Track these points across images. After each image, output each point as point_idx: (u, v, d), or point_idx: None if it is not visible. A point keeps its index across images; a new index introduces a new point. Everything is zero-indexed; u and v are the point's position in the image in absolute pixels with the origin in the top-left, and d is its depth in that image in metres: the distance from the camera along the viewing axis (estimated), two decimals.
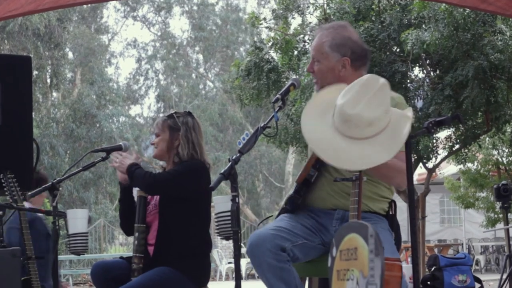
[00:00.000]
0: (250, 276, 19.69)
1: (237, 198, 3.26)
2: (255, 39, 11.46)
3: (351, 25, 3.97)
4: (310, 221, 3.69)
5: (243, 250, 16.38)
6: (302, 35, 10.00)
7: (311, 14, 10.07)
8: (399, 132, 3.20)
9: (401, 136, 3.19)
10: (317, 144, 3.23)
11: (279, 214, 3.78)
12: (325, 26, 3.88)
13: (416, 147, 9.09)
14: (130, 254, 4.36)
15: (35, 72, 23.94)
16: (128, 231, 4.50)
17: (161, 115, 4.68)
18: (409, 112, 3.28)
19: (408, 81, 9.16)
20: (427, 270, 7.52)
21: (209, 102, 32.64)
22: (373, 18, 9.16)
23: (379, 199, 3.67)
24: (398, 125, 3.22)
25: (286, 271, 3.49)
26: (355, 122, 3.13)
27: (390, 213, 3.73)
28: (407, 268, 7.91)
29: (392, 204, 3.72)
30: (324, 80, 3.71)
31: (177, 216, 4.26)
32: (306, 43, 9.87)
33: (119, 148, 4.47)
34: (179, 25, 60.58)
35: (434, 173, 11.04)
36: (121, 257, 4.42)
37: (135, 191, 4.43)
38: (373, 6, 9.20)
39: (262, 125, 3.45)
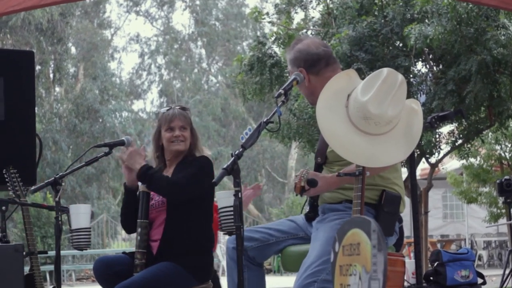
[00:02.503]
0: None
1: (239, 193, 3.26)
2: (258, 33, 11.44)
3: (308, 36, 4.10)
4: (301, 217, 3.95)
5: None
6: (305, 30, 9.97)
7: (314, 9, 10.05)
8: (411, 128, 3.21)
9: (414, 134, 3.21)
10: (331, 137, 3.22)
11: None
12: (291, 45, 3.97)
13: (419, 142, 9.06)
14: (133, 249, 4.35)
15: (38, 67, 23.94)
16: (129, 229, 4.49)
17: (176, 107, 4.43)
18: (414, 104, 3.27)
19: (411, 75, 9.14)
20: (429, 265, 7.51)
21: (211, 97, 32.62)
22: (376, 13, 9.14)
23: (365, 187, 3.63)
24: (409, 119, 3.22)
25: (234, 270, 3.72)
26: (376, 121, 3.12)
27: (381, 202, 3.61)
28: (410, 263, 7.90)
29: (384, 193, 3.58)
30: (304, 94, 3.91)
31: (183, 213, 4.24)
32: None
33: (121, 143, 4.43)
34: (182, 20, 60.54)
35: (437, 168, 11.03)
36: (124, 252, 4.41)
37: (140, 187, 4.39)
38: (376, 1, 9.18)
39: (265, 120, 3.45)
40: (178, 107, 4.43)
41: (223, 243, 20.74)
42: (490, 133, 11.89)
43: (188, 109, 4.47)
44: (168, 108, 4.45)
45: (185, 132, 4.35)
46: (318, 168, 3.74)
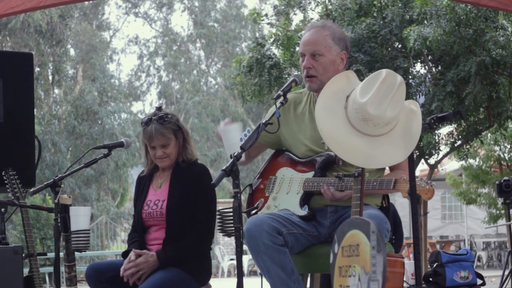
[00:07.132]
0: (252, 273, 19.70)
1: (239, 195, 3.25)
2: (257, 35, 11.44)
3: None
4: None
5: (245, 247, 16.38)
6: (303, 31, 9.96)
7: (312, 10, 10.04)
8: (410, 129, 3.20)
9: (413, 135, 3.20)
10: (330, 138, 3.21)
11: None
12: (317, 23, 3.92)
13: (418, 143, 9.05)
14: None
15: (37, 69, 23.93)
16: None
17: (154, 120, 4.17)
18: (413, 105, 3.27)
19: (410, 77, 9.15)
20: (429, 266, 7.51)
21: (210, 98, 32.62)
22: (374, 14, 9.14)
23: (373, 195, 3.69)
24: (408, 121, 3.21)
25: (282, 254, 3.55)
26: (375, 122, 3.11)
27: (384, 205, 3.79)
28: (409, 264, 7.90)
29: (385, 197, 3.79)
30: (325, 75, 3.73)
31: (184, 221, 4.20)
32: None
33: (121, 145, 4.40)
34: (181, 22, 60.53)
35: (436, 169, 11.03)
36: (124, 253, 4.32)
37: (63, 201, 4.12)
38: (375, 2, 9.19)
39: (263, 121, 3.45)
40: (156, 119, 4.20)
41: (222, 245, 20.73)
42: (489, 134, 11.90)
43: (168, 116, 4.22)
44: (147, 119, 4.24)
45: (167, 148, 4.21)
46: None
